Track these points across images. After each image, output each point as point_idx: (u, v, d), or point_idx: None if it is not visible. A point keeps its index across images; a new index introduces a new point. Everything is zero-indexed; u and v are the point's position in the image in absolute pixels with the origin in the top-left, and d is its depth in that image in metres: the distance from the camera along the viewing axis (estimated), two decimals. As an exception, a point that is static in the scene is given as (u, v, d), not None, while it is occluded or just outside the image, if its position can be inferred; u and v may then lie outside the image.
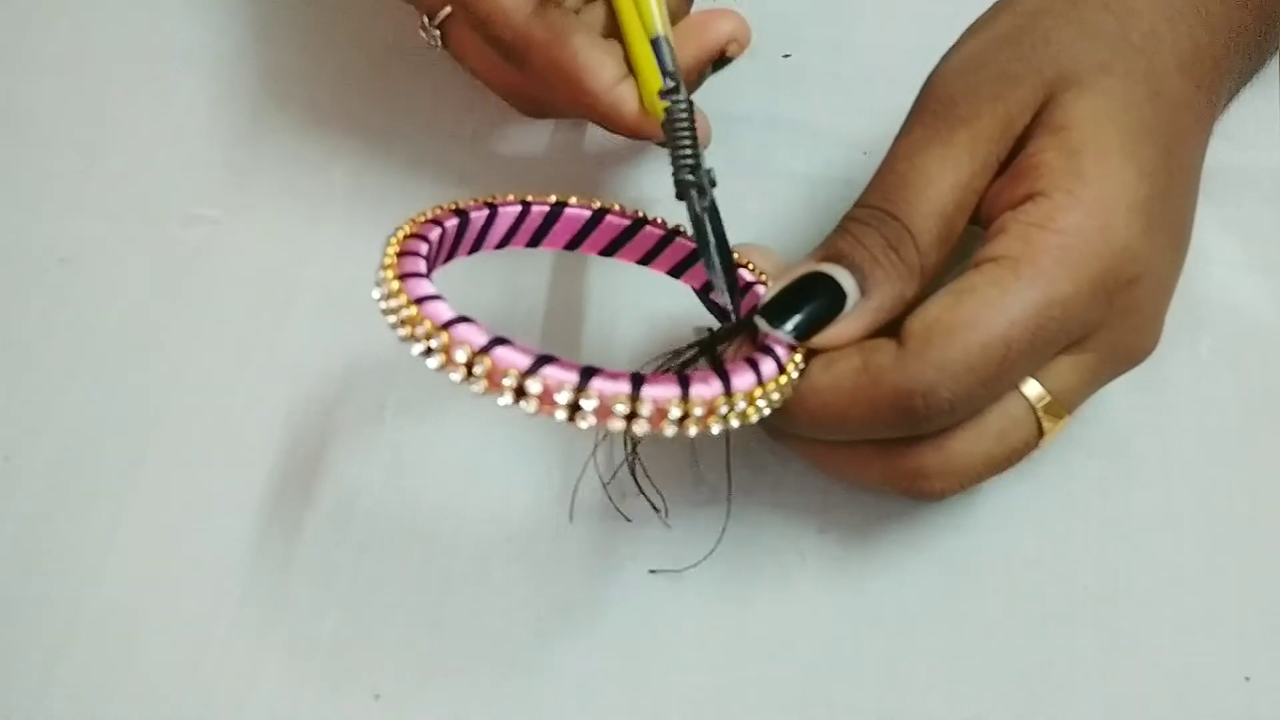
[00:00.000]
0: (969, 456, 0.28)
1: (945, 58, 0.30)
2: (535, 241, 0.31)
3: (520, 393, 0.23)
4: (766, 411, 0.26)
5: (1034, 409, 0.28)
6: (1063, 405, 0.28)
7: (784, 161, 0.39)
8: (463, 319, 0.24)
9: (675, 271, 0.33)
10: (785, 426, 0.28)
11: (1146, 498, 0.33)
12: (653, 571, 0.33)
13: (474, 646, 0.32)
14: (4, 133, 0.40)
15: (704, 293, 0.32)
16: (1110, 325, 0.27)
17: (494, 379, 0.23)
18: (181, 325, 0.37)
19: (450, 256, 0.30)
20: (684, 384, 0.24)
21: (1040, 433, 0.28)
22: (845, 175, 0.38)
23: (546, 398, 0.23)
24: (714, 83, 0.40)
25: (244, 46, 0.42)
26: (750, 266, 0.30)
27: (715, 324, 0.31)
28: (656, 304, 0.36)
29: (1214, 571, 0.32)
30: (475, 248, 0.30)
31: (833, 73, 0.41)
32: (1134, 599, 0.32)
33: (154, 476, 0.34)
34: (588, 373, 0.23)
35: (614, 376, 0.23)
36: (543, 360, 0.23)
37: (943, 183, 0.28)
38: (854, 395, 0.26)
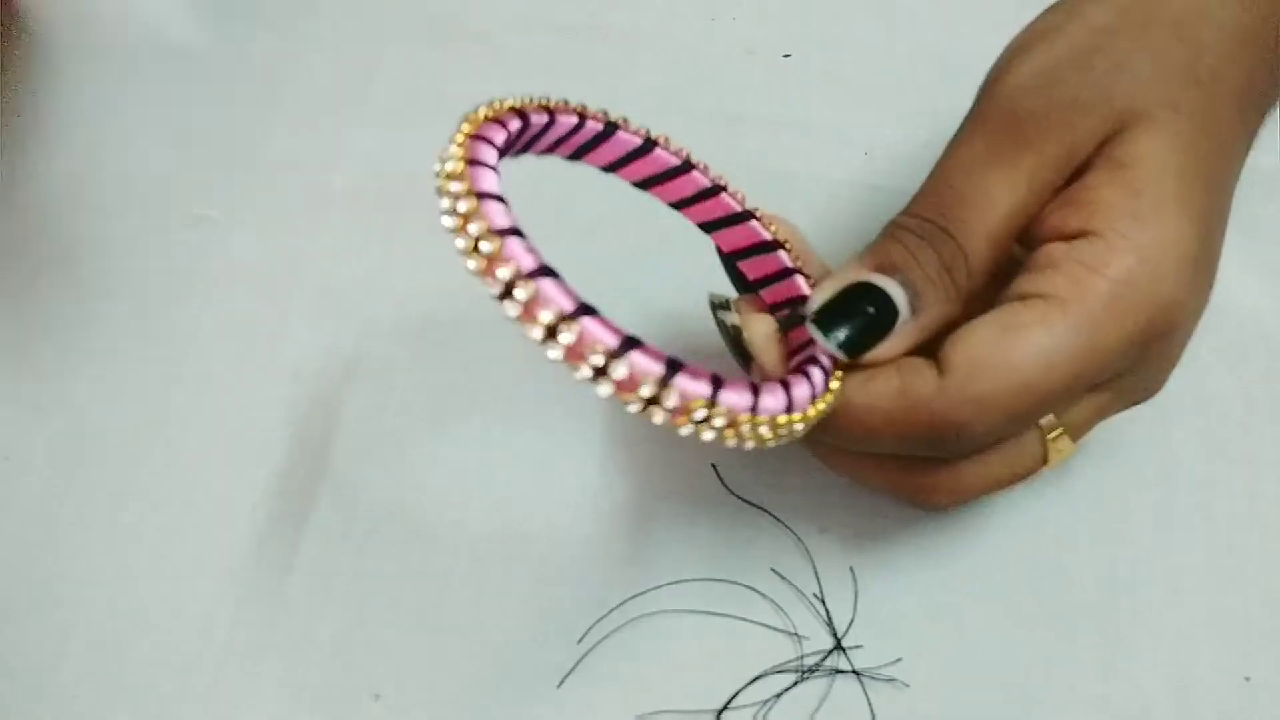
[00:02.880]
0: (978, 478, 0.28)
1: (1011, 65, 0.28)
2: (578, 154, 0.29)
3: (552, 334, 0.22)
4: (790, 438, 0.25)
5: (1044, 438, 0.28)
6: (1071, 436, 0.28)
7: (784, 162, 0.39)
8: (515, 232, 0.22)
9: (708, 226, 0.31)
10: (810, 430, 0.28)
11: (1146, 498, 0.33)
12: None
13: (473, 647, 0.32)
14: (4, 132, 0.40)
15: (729, 259, 0.31)
16: (1136, 370, 0.27)
17: (531, 310, 0.22)
18: (182, 325, 0.37)
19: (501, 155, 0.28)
20: (716, 385, 0.23)
21: (1045, 459, 0.28)
22: (846, 176, 0.38)
23: (576, 352, 0.22)
24: (714, 83, 0.40)
25: (244, 46, 0.42)
26: (773, 230, 0.30)
27: (733, 293, 0.30)
28: (659, 292, 0.36)
29: (1214, 572, 0.32)
30: (524, 149, 0.28)
31: (833, 73, 0.41)
32: (1134, 599, 0.32)
33: (154, 476, 0.34)
34: (629, 343, 0.22)
35: (654, 355, 0.22)
36: (586, 310, 0.22)
37: (1002, 206, 0.27)
38: (889, 417, 0.26)
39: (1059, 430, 0.28)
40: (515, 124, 0.26)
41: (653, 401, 0.22)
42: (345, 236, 0.38)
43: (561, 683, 0.32)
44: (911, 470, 0.28)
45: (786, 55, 0.41)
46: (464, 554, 0.33)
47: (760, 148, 0.39)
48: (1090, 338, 0.25)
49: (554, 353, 0.22)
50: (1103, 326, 0.25)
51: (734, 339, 0.29)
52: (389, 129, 0.40)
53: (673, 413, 0.22)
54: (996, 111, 0.28)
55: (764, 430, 0.23)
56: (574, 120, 0.28)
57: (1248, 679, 0.31)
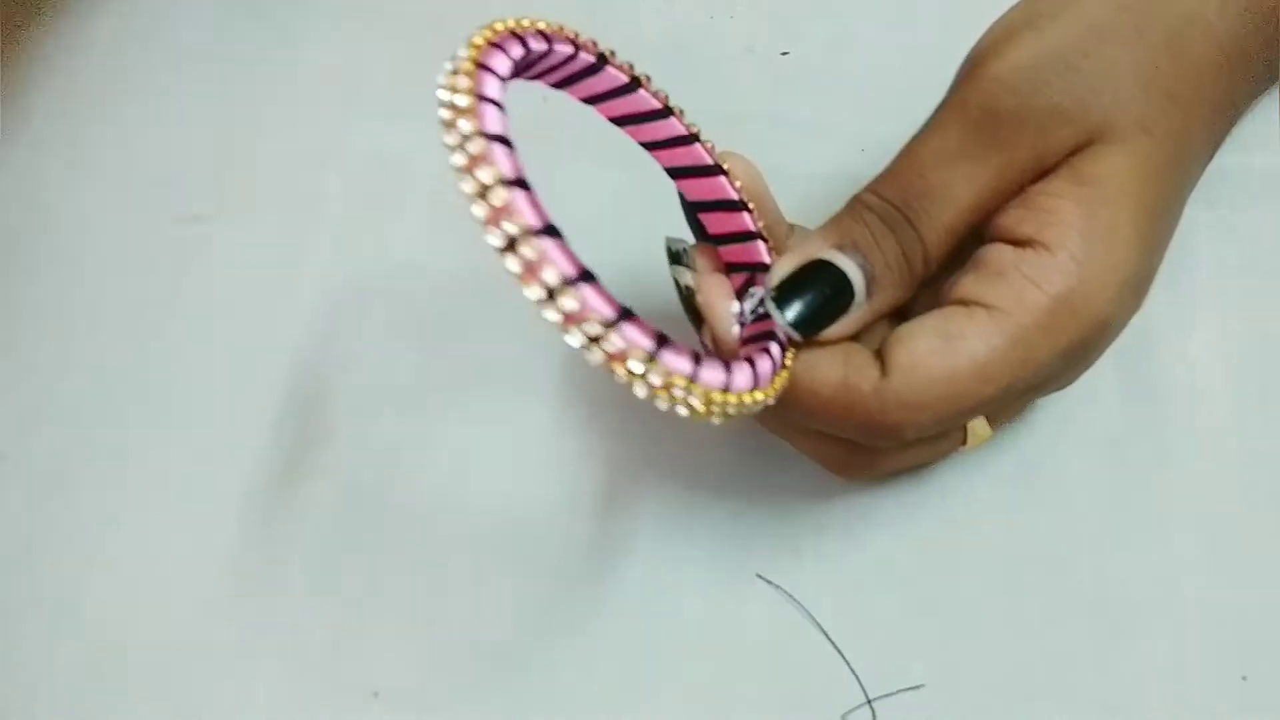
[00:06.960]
0: (899, 463, 0.30)
1: (998, 50, 0.28)
2: (563, 84, 0.29)
3: (511, 246, 0.22)
4: (722, 417, 0.25)
5: (964, 429, 0.29)
6: (989, 426, 0.30)
7: (782, 159, 0.38)
8: (502, 139, 0.22)
9: (676, 172, 0.31)
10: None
11: (1142, 496, 0.33)
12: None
13: (472, 644, 0.32)
14: (3, 132, 0.40)
15: (691, 208, 0.31)
16: (1058, 376, 0.28)
17: (495, 219, 0.22)
18: (178, 323, 0.37)
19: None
20: (660, 342, 0.23)
21: (964, 441, 0.30)
22: (844, 173, 0.37)
23: (533, 270, 0.22)
24: (713, 81, 0.40)
25: (242, 45, 0.42)
26: (732, 175, 0.30)
27: (690, 239, 0.30)
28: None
29: (1211, 570, 0.32)
30: (515, 76, 0.28)
31: (831, 70, 0.41)
32: (1130, 598, 0.32)
33: (150, 474, 0.34)
34: (585, 276, 0.22)
35: (608, 299, 0.22)
36: (552, 231, 0.22)
37: (965, 202, 0.28)
38: (828, 405, 0.27)
39: (980, 421, 0.29)
40: (518, 51, 0.25)
41: (595, 340, 0.22)
42: (341, 234, 0.38)
43: (559, 680, 0.32)
44: (838, 445, 0.29)
45: (785, 53, 0.41)
46: (462, 551, 0.33)
47: (758, 145, 0.39)
48: (1024, 356, 0.27)
49: (512, 265, 0.22)
50: (1036, 342, 0.27)
51: (686, 298, 0.29)
52: (386, 127, 0.40)
53: (610, 356, 0.22)
54: (974, 105, 0.28)
55: (695, 401, 0.23)
56: (569, 50, 0.27)
57: (1245, 678, 0.31)
